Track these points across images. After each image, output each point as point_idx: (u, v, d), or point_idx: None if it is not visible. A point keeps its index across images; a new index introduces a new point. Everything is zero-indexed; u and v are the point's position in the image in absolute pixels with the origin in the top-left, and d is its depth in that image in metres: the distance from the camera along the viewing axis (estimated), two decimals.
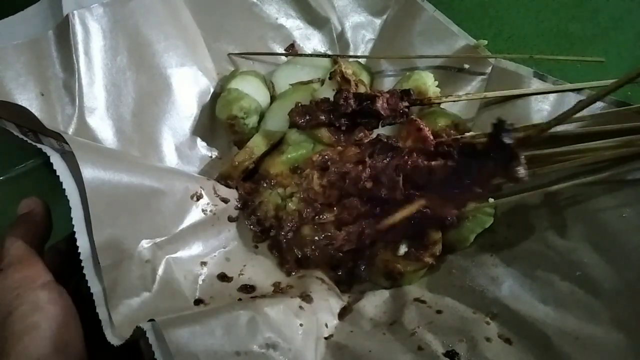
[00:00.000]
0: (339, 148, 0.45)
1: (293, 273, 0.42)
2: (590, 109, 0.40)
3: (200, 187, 0.41)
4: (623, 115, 0.38)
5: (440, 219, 0.40)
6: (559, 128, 0.40)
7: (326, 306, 0.38)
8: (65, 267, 0.31)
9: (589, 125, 0.39)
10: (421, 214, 0.40)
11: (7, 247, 0.30)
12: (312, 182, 0.43)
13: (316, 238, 0.42)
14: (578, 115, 0.39)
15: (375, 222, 0.41)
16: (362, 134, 0.46)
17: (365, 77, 0.53)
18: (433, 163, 0.40)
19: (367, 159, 0.42)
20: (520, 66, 0.45)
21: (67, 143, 0.32)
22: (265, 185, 0.46)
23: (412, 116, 0.45)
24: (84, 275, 0.30)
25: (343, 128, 0.46)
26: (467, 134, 0.43)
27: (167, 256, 0.35)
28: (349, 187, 0.42)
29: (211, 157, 0.50)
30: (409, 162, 0.40)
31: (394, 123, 0.47)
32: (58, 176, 0.31)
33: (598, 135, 0.38)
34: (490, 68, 0.49)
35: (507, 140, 0.31)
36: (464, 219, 0.41)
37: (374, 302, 0.39)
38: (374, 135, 0.47)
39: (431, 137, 0.42)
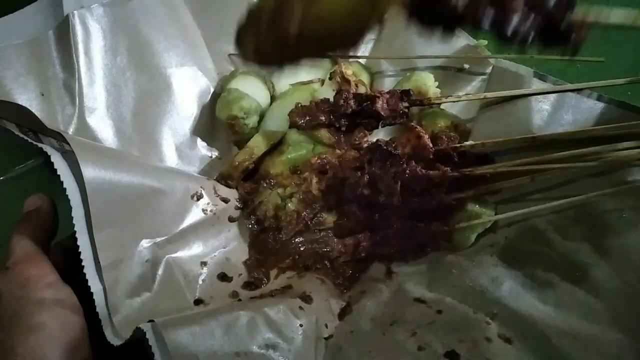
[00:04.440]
0: (338, 152, 0.45)
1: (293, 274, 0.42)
2: (590, 111, 0.40)
3: (201, 187, 0.41)
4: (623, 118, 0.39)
5: (434, 233, 0.41)
6: (559, 131, 0.41)
7: (326, 306, 0.38)
8: (71, 264, 0.31)
9: (587, 129, 0.39)
10: (414, 229, 0.41)
11: (14, 245, 0.30)
12: (311, 186, 0.43)
13: (314, 245, 0.42)
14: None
15: (372, 234, 0.42)
16: (361, 134, 0.46)
17: (365, 78, 0.53)
18: (431, 172, 0.40)
19: (365, 165, 0.42)
20: (520, 66, 0.45)
21: (67, 142, 0.32)
22: (265, 185, 0.46)
23: (413, 123, 0.45)
24: (85, 274, 0.30)
25: (343, 129, 0.46)
26: (467, 143, 0.43)
27: (167, 256, 0.35)
28: (348, 193, 0.42)
29: (211, 157, 0.50)
30: (408, 170, 0.41)
31: (393, 124, 0.47)
32: (59, 175, 0.31)
33: (597, 139, 0.38)
34: (490, 68, 0.49)
35: None
36: (465, 219, 0.41)
37: (374, 302, 0.39)
38: (373, 138, 0.47)
39: (430, 144, 0.42)
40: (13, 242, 0.30)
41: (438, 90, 0.49)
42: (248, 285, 0.40)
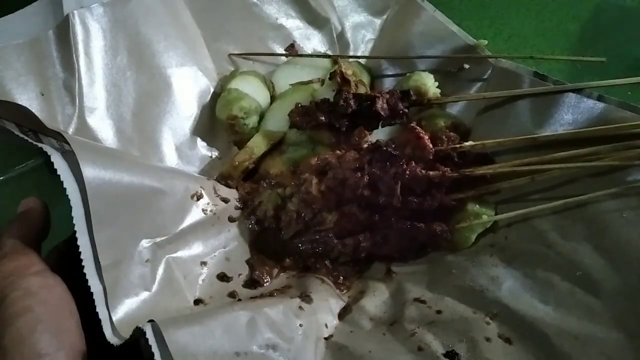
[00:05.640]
0: (338, 152, 0.45)
1: (293, 274, 0.42)
2: (590, 111, 0.40)
3: (201, 187, 0.41)
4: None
5: (434, 234, 0.41)
6: (559, 131, 0.41)
7: (326, 306, 0.38)
8: (66, 269, 0.32)
9: (587, 129, 0.39)
10: (414, 229, 0.41)
11: (3, 241, 0.31)
12: (311, 187, 0.43)
13: (314, 245, 0.42)
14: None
15: (372, 234, 0.42)
16: (361, 134, 0.46)
17: (365, 78, 0.53)
18: (431, 173, 0.40)
19: (365, 166, 0.42)
20: (520, 66, 0.45)
21: (67, 142, 0.32)
22: (265, 185, 0.46)
23: (413, 123, 0.45)
24: (85, 275, 0.30)
25: (343, 129, 0.46)
26: (467, 143, 0.43)
27: (167, 256, 0.35)
28: (348, 194, 0.42)
29: (211, 157, 0.50)
30: (408, 170, 0.41)
31: (393, 124, 0.47)
32: (59, 175, 0.31)
33: (597, 139, 0.38)
34: (490, 68, 0.49)
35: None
36: (465, 219, 0.41)
37: (373, 302, 0.39)
38: (373, 138, 0.47)
39: (430, 145, 0.42)
40: (2, 239, 0.31)
41: (438, 90, 0.49)
42: (250, 283, 0.40)
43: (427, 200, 0.41)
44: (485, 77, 0.49)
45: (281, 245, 0.43)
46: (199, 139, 0.49)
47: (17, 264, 0.29)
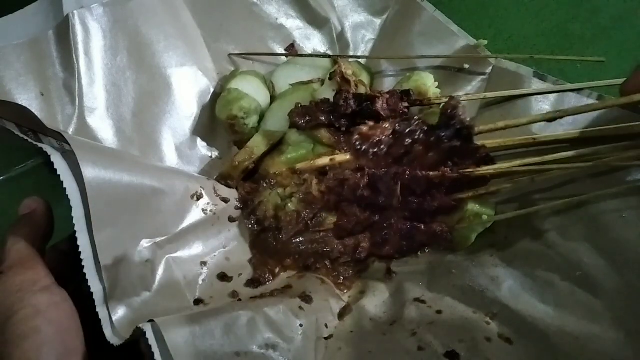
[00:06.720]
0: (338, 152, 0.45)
1: (293, 274, 0.42)
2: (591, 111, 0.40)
3: (201, 187, 0.41)
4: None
5: (434, 234, 0.41)
6: (559, 132, 0.41)
7: (326, 306, 0.38)
8: (66, 268, 0.31)
9: (588, 129, 0.39)
10: (414, 230, 0.41)
11: (8, 249, 0.30)
12: (311, 187, 0.43)
13: (314, 245, 0.42)
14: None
15: (372, 235, 0.42)
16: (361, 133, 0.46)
17: (365, 78, 0.53)
18: (431, 173, 0.40)
19: (365, 169, 0.42)
20: (520, 66, 0.45)
21: (67, 142, 0.32)
22: (265, 185, 0.46)
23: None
24: (85, 274, 0.30)
25: (343, 129, 0.46)
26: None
27: (167, 256, 0.35)
28: (348, 194, 0.42)
29: (211, 157, 0.50)
30: (407, 171, 0.41)
31: None
32: (59, 176, 0.31)
33: (597, 139, 0.38)
34: (490, 68, 0.49)
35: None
36: (465, 219, 0.41)
37: (373, 302, 0.39)
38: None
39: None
40: (7, 245, 0.30)
41: (438, 90, 0.49)
42: (252, 282, 0.40)
43: (427, 200, 0.41)
44: (485, 77, 0.49)
45: (281, 245, 0.43)
46: (199, 139, 0.49)
47: (25, 279, 0.29)
